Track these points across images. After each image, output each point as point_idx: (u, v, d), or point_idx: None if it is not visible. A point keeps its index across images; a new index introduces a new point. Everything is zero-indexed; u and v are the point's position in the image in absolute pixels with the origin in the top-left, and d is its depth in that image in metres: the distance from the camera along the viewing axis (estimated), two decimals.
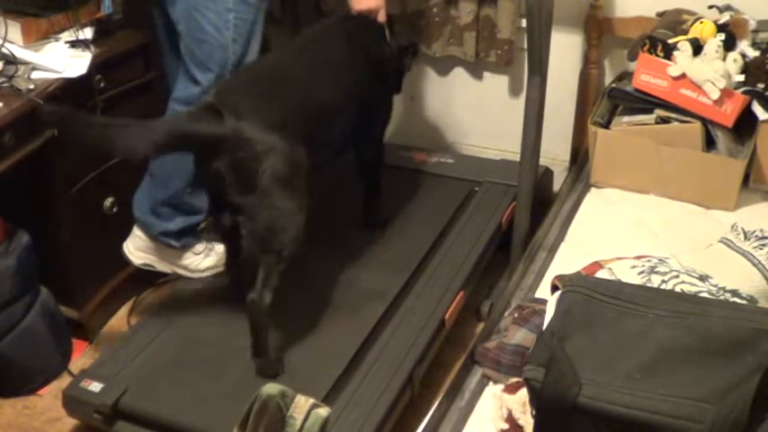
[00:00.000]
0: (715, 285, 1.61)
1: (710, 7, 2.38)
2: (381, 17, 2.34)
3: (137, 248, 2.38)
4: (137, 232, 2.36)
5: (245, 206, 1.90)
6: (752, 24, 2.29)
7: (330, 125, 2.12)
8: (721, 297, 1.56)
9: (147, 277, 2.51)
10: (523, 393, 1.47)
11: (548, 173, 2.79)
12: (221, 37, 2.13)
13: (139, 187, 2.33)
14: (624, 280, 1.62)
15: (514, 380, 1.58)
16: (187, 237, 2.36)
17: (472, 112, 3.01)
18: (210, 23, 2.12)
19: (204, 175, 1.96)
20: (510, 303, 1.94)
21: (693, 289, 1.58)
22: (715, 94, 2.10)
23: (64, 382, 2.18)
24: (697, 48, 2.17)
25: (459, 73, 2.97)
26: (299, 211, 1.94)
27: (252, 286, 1.93)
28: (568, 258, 2.02)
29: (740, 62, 2.17)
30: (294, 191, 1.93)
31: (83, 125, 1.86)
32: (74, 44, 2.19)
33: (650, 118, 2.23)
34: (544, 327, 1.39)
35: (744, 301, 1.57)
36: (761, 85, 2.14)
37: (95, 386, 1.95)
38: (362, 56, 2.25)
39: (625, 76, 2.50)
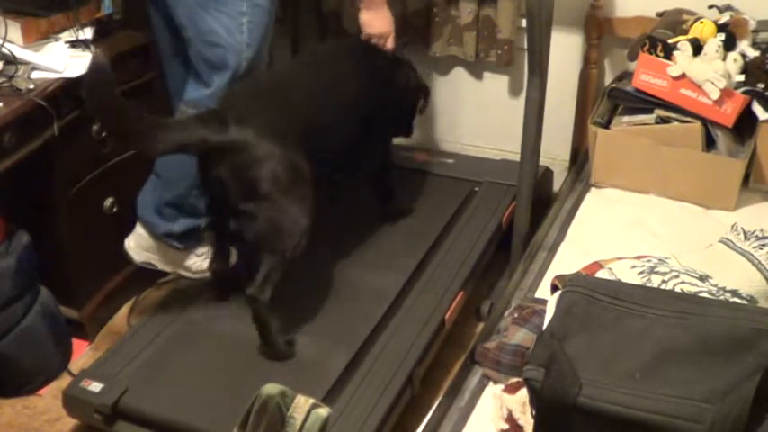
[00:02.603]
0: (715, 285, 1.61)
1: (710, 7, 2.38)
2: (390, 44, 2.38)
3: (138, 246, 2.37)
4: (139, 230, 2.36)
5: (247, 211, 1.95)
6: (752, 24, 2.29)
7: (332, 137, 2.15)
8: (721, 297, 1.56)
9: (147, 277, 2.51)
10: (523, 393, 1.47)
11: (548, 173, 2.79)
12: (235, 41, 2.12)
13: (144, 187, 2.33)
14: (624, 280, 1.62)
15: (514, 380, 1.58)
16: (190, 238, 2.36)
17: (472, 112, 3.01)
18: (223, 27, 2.11)
19: (207, 179, 2.01)
20: (510, 303, 1.94)
21: (693, 289, 1.58)
22: (715, 94, 2.10)
23: (64, 382, 2.19)
24: (697, 48, 2.17)
25: (459, 73, 2.97)
26: (303, 216, 1.98)
27: (251, 282, 1.97)
28: (568, 258, 2.02)
29: (740, 62, 2.17)
30: (296, 196, 1.97)
31: (114, 110, 1.85)
32: (74, 44, 2.19)
33: (650, 118, 2.23)
34: (544, 327, 1.39)
35: (744, 301, 1.57)
36: (761, 85, 2.14)
37: (95, 386, 1.95)
38: (369, 76, 2.30)
39: (625, 76, 2.49)
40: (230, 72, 2.14)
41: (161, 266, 2.39)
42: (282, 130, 1.96)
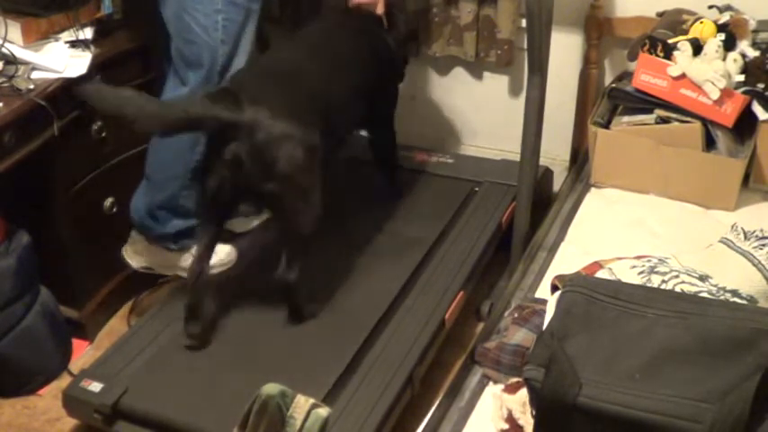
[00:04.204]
0: (715, 285, 1.61)
1: (710, 7, 2.38)
2: (379, 9, 2.40)
3: (135, 252, 2.38)
4: (134, 236, 2.36)
5: (264, 192, 1.95)
6: (752, 24, 2.29)
7: (339, 112, 2.17)
8: (721, 297, 1.56)
9: (147, 277, 2.51)
10: (523, 393, 1.47)
11: (548, 173, 2.79)
12: (209, 38, 2.13)
13: (136, 191, 2.33)
14: (624, 280, 1.62)
15: (514, 380, 1.58)
16: (185, 239, 2.36)
17: (472, 112, 3.01)
18: (199, 25, 2.12)
19: (218, 161, 1.94)
20: (510, 303, 1.94)
21: (693, 289, 1.58)
22: (715, 94, 2.10)
23: (64, 382, 2.19)
24: (697, 48, 2.17)
25: (460, 73, 2.97)
26: (317, 193, 2.02)
27: (278, 264, 2.04)
28: (568, 258, 2.02)
29: (740, 62, 2.17)
30: (311, 174, 1.99)
31: (110, 95, 1.87)
32: (74, 44, 2.19)
33: (650, 118, 2.23)
34: (544, 327, 1.39)
35: (744, 301, 1.57)
36: (761, 85, 2.14)
37: (95, 386, 1.95)
38: (367, 47, 2.34)
39: (625, 76, 2.49)
40: (205, 70, 2.14)
41: (159, 270, 2.40)
42: (296, 109, 1.96)
